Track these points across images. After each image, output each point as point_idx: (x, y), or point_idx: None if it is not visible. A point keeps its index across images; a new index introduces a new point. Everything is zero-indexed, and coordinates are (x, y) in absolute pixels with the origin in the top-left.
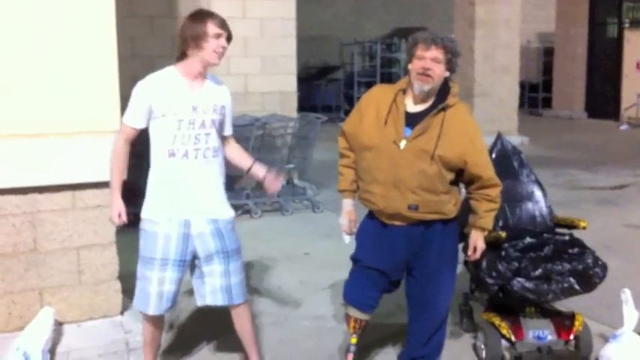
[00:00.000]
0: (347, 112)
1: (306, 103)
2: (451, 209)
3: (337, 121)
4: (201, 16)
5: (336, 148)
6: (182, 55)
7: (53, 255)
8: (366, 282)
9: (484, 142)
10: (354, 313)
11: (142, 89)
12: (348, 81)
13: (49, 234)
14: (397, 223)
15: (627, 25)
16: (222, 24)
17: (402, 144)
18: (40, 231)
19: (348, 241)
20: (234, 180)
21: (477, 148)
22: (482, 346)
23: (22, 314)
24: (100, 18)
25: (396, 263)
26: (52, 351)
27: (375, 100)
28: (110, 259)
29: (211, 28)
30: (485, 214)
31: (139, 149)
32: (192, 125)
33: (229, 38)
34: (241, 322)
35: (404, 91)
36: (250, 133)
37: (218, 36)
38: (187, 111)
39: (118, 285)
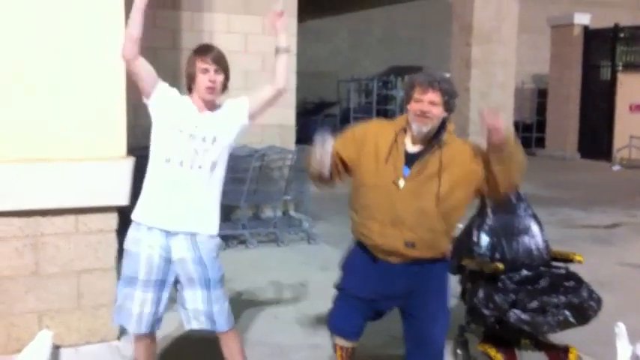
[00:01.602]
0: None
1: (302, 138)
2: (446, 246)
3: None
4: (193, 53)
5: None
6: (189, 90)
7: (54, 278)
8: (349, 310)
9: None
10: (340, 341)
11: (168, 88)
12: (344, 116)
13: (50, 258)
14: (393, 260)
15: (620, 68)
16: (211, 59)
17: (401, 183)
18: (42, 254)
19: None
20: (230, 210)
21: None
22: None
23: (20, 337)
24: (110, 47)
25: (385, 295)
26: None
27: (374, 136)
28: (110, 284)
29: (198, 64)
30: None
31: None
32: (193, 138)
33: (224, 71)
34: (229, 350)
35: (405, 130)
36: (249, 164)
37: (205, 71)
38: (190, 126)
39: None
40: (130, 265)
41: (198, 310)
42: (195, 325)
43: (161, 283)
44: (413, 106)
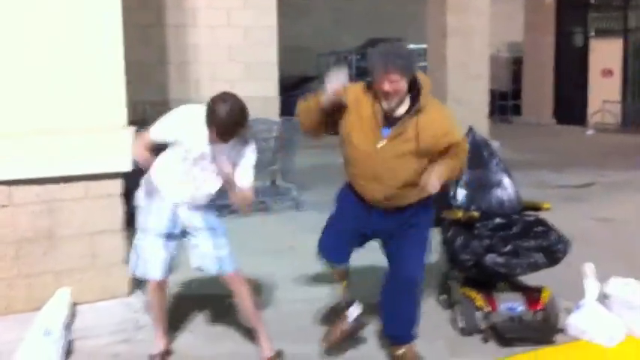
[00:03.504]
0: None
1: (284, 112)
2: (423, 195)
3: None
4: (212, 115)
5: (316, 154)
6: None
7: (69, 240)
8: (336, 238)
9: (457, 128)
10: (330, 265)
11: (176, 121)
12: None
13: (65, 221)
14: (378, 205)
15: (593, 34)
16: (223, 134)
17: (380, 144)
18: (57, 218)
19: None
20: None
21: (452, 138)
22: (460, 318)
23: (40, 295)
24: (111, 31)
25: (371, 229)
26: (68, 328)
27: (356, 100)
28: (119, 244)
29: (212, 134)
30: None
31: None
32: (195, 165)
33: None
34: (239, 290)
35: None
36: None
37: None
38: (196, 154)
39: (126, 268)
40: (145, 218)
41: (205, 253)
42: (202, 266)
43: (171, 234)
44: (377, 87)
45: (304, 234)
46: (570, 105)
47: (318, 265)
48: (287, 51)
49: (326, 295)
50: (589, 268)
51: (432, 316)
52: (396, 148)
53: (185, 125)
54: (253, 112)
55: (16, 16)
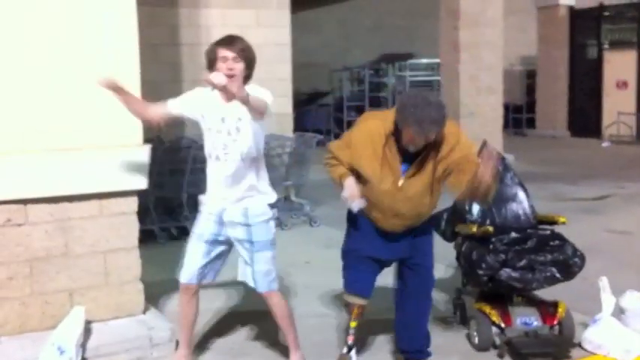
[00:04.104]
0: (337, 136)
1: (297, 128)
2: (432, 212)
3: (328, 144)
4: (216, 42)
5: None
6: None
7: (82, 258)
8: (362, 270)
9: (466, 140)
10: (357, 300)
11: (190, 94)
12: (337, 105)
13: (78, 239)
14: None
15: (606, 46)
16: (230, 46)
17: (400, 182)
18: (70, 236)
19: (358, 207)
20: None
21: (463, 152)
22: (475, 333)
23: (54, 313)
24: (127, 47)
25: (389, 256)
26: (82, 346)
27: (370, 139)
28: (133, 262)
29: (218, 51)
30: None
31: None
32: (220, 133)
33: (245, 58)
34: (274, 309)
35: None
36: None
37: (224, 59)
38: (217, 122)
39: (140, 286)
40: (196, 222)
41: (245, 267)
42: (242, 278)
43: (212, 242)
44: (407, 142)
45: (319, 249)
46: (585, 117)
47: (332, 281)
48: (299, 67)
49: (339, 310)
50: (605, 282)
51: (447, 331)
52: (416, 183)
53: (198, 95)
54: (268, 128)
55: (32, 35)
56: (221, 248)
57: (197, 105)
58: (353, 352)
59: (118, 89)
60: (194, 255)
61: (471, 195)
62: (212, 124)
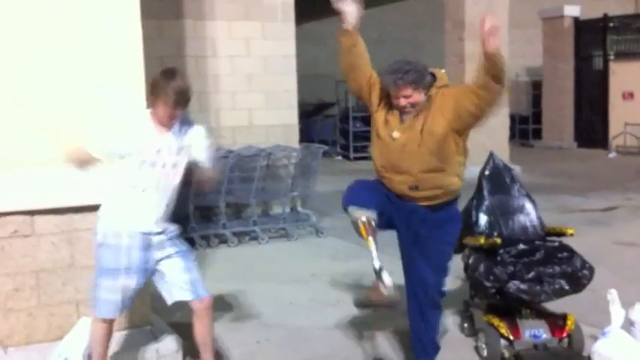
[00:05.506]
0: (343, 147)
1: (303, 139)
2: (452, 181)
3: (333, 155)
4: (165, 78)
5: (336, 180)
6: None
7: (88, 270)
8: (364, 190)
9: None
10: (358, 213)
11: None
12: (343, 117)
13: (84, 250)
14: (405, 201)
15: (612, 57)
16: (176, 101)
17: (395, 135)
18: (76, 248)
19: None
20: (240, 208)
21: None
22: (483, 346)
23: (60, 325)
24: (133, 63)
25: (395, 211)
26: (89, 357)
27: (379, 92)
28: None
29: (165, 109)
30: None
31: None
32: (154, 166)
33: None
34: (204, 320)
35: None
36: (256, 163)
37: (165, 108)
38: (151, 153)
39: (147, 298)
40: (109, 256)
41: (180, 280)
42: (178, 297)
43: (141, 271)
44: (394, 102)
45: (325, 260)
46: (591, 128)
47: (338, 293)
48: (305, 78)
49: (346, 322)
50: (613, 295)
51: (455, 344)
52: (408, 135)
53: (132, 125)
54: (274, 139)
55: (38, 49)
56: (144, 277)
57: (133, 138)
58: (384, 273)
59: (84, 162)
60: (113, 290)
61: (487, 77)
62: (147, 156)
